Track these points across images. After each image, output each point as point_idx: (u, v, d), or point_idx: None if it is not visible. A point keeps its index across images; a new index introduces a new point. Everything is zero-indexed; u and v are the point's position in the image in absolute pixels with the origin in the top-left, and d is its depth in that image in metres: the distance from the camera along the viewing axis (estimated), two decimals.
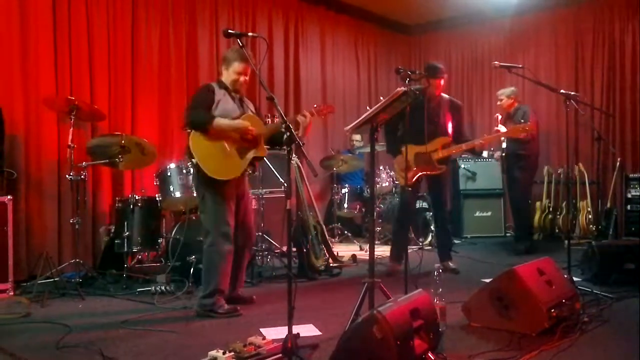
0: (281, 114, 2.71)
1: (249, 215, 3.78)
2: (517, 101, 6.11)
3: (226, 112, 3.54)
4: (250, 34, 3.08)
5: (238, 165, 3.56)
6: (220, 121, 3.46)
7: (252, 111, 3.73)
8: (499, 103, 6.16)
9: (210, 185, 3.48)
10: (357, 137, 7.33)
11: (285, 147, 2.62)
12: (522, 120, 5.68)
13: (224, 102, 3.57)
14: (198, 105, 3.52)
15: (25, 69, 4.59)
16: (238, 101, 3.69)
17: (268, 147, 3.81)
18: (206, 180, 3.46)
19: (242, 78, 3.62)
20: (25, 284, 4.25)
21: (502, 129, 5.50)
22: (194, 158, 3.43)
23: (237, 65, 3.59)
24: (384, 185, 6.67)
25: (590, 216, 6.61)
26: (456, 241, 6.84)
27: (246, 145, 3.58)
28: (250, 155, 3.60)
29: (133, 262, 4.65)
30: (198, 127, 3.45)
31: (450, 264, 4.88)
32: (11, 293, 3.97)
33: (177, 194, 4.49)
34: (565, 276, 3.63)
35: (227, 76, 3.62)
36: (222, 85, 3.64)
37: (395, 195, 6.72)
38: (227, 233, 3.51)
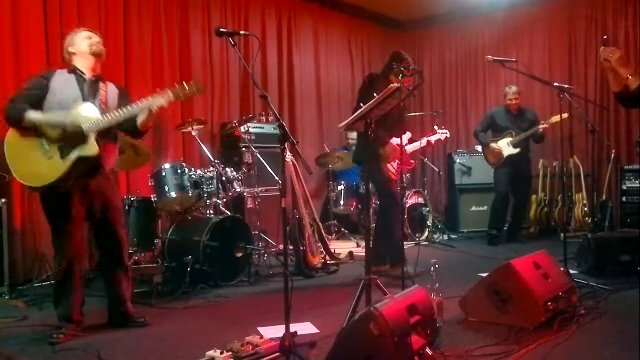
0: (274, 112, 2.71)
1: (112, 229, 3.26)
2: None
3: (65, 104, 3.04)
4: (242, 32, 3.04)
5: (56, 167, 2.99)
6: (32, 116, 2.97)
7: (102, 99, 3.17)
8: (516, 101, 6.18)
9: (44, 195, 3.12)
10: (353, 134, 7.29)
11: (280, 145, 2.62)
12: (542, 122, 6.01)
13: (62, 90, 3.07)
14: (17, 97, 3.05)
15: (18, 72, 4.55)
16: (88, 85, 3.16)
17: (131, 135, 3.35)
18: (33, 187, 3.09)
19: (95, 38, 3.18)
20: (21, 287, 4.23)
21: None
22: (7, 158, 3.04)
23: (82, 34, 3.18)
24: None
25: (585, 209, 6.63)
26: (452, 236, 6.88)
27: (72, 143, 3.01)
28: (74, 154, 3.00)
29: (129, 263, 4.62)
30: (11, 123, 3.02)
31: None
32: (7, 297, 3.95)
33: (173, 194, 4.48)
34: (562, 269, 3.64)
35: (79, 48, 3.16)
36: (71, 69, 3.17)
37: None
38: (63, 253, 3.13)
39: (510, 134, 6.13)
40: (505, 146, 6.13)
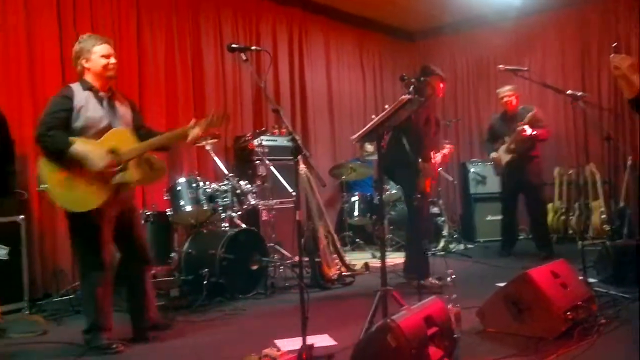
0: (287, 125, 2.73)
1: (138, 231, 3.37)
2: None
3: (91, 123, 3.05)
4: (254, 47, 3.09)
5: (99, 193, 3.04)
6: (76, 151, 2.96)
7: (122, 117, 3.22)
8: (507, 100, 5.94)
9: (77, 214, 3.05)
10: (370, 147, 7.21)
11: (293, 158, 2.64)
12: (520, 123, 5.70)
13: (87, 109, 3.06)
14: (48, 123, 2.98)
15: (34, 90, 4.62)
16: (107, 104, 3.16)
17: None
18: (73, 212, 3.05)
19: (112, 60, 3.14)
20: (40, 302, 4.27)
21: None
22: (44, 184, 2.97)
23: (99, 49, 3.10)
24: (393, 192, 6.65)
25: (603, 216, 6.55)
26: (469, 246, 6.83)
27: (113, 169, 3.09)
28: (117, 180, 3.08)
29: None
30: (50, 154, 2.99)
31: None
32: (27, 312, 3.99)
33: (188, 208, 4.50)
34: (581, 278, 3.60)
35: (94, 67, 3.11)
36: (86, 86, 3.11)
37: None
38: (100, 261, 3.09)
39: (504, 141, 5.93)
40: (503, 153, 5.93)
